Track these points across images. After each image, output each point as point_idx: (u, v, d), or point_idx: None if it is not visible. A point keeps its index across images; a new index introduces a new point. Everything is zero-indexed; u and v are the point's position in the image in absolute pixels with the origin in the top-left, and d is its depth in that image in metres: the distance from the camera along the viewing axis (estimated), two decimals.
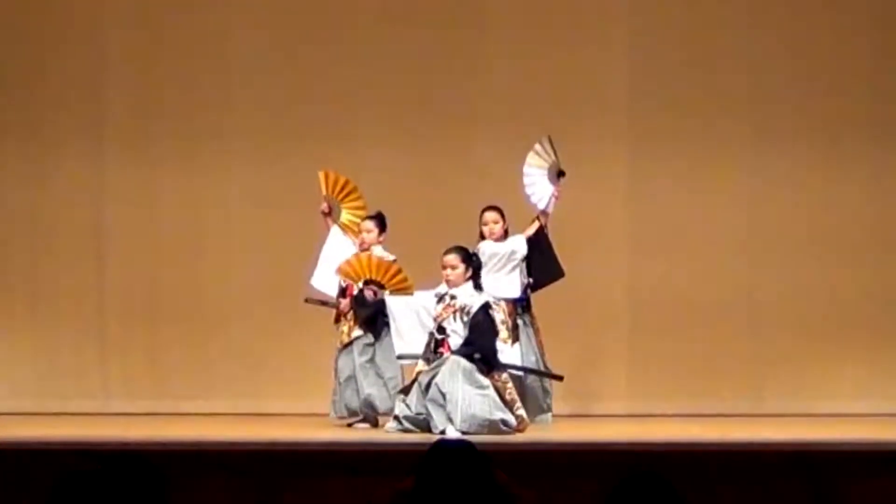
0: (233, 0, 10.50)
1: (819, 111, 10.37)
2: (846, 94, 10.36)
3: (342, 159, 9.84)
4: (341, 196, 9.21)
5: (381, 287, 8.70)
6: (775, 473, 6.83)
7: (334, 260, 8.95)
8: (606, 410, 9.94)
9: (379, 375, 8.79)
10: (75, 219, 10.44)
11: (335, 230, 9.15)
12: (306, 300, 9.14)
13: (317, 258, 9.12)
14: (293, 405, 9.69)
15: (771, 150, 10.37)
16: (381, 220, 8.97)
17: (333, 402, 8.90)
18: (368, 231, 8.93)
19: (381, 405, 8.72)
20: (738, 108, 10.39)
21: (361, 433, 8.55)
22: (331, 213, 9.19)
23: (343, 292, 8.93)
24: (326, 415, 8.96)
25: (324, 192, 9.19)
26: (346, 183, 9.21)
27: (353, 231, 9.09)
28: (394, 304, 8.60)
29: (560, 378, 8.86)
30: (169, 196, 10.43)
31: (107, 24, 10.52)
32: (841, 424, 8.98)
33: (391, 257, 8.86)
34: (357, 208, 9.19)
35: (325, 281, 9.03)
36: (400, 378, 8.73)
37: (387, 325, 8.72)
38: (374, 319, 8.78)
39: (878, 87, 10.37)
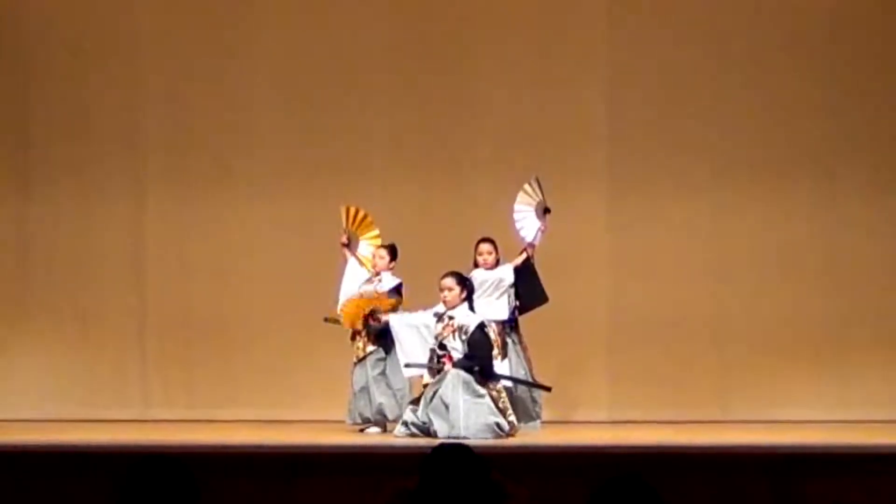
0: (258, 50, 10.45)
1: (772, 154, 10.32)
2: (796, 137, 10.30)
3: (353, 192, 9.87)
4: (360, 228, 9.16)
5: (378, 312, 8.72)
6: (740, 473, 6.80)
7: (351, 289, 8.96)
8: (589, 417, 9.88)
9: (389, 386, 8.76)
10: (118, 248, 10.43)
11: (352, 262, 9.11)
12: (325, 319, 9.08)
13: (333, 282, 9.07)
14: (311, 413, 9.63)
15: (730, 186, 10.31)
16: (392, 250, 8.99)
17: (350, 410, 8.85)
18: (381, 258, 8.95)
19: (391, 413, 8.70)
20: (701, 149, 10.33)
21: (371, 438, 8.51)
22: (349, 245, 9.14)
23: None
24: (341, 421, 8.92)
25: (344, 226, 9.16)
26: (365, 216, 9.18)
27: (366, 264, 9.05)
28: (396, 323, 8.57)
29: (548, 389, 8.80)
30: (201, 228, 10.38)
31: (145, 74, 10.49)
32: (798, 429, 8.92)
33: (396, 281, 8.86)
34: (374, 237, 9.15)
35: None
36: (407, 389, 8.70)
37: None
38: (385, 336, 8.75)
39: (824, 131, 10.30)
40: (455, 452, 4.40)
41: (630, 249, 10.16)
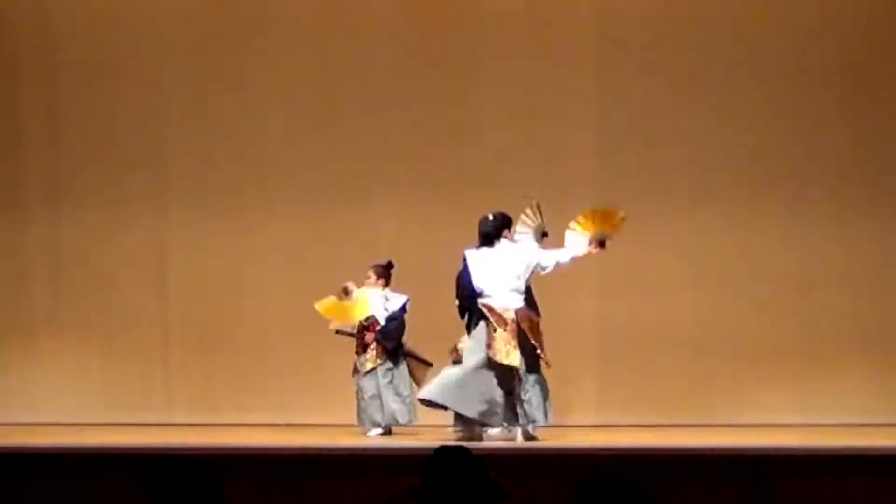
0: (272, 83, 10.43)
1: (746, 178, 10.29)
2: (768, 162, 10.28)
3: (359, 212, 9.93)
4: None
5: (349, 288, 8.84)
6: (718, 472, 6.77)
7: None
8: (579, 422, 9.83)
9: (398, 394, 8.77)
10: (143, 264, 10.41)
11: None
12: (337, 332, 9.06)
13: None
14: (322, 417, 9.60)
15: (709, 208, 10.29)
16: (377, 269, 8.93)
17: (361, 417, 8.82)
18: (367, 278, 8.93)
19: (402, 418, 8.73)
20: (681, 173, 10.33)
21: (376, 440, 8.48)
22: (348, 294, 9.04)
23: (366, 328, 8.88)
24: (350, 425, 8.89)
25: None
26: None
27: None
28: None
29: (430, 364, 8.76)
30: (219, 245, 10.36)
31: (168, 103, 10.48)
32: (772, 432, 8.89)
33: (402, 300, 8.84)
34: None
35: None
36: (413, 395, 8.68)
37: (403, 354, 8.78)
38: (395, 350, 8.80)
39: (794, 157, 10.29)
40: (455, 454, 4.40)
41: (616, 266, 10.10)
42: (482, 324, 7.96)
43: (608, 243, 8.17)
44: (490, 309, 7.94)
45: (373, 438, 8.56)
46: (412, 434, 8.69)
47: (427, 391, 8.08)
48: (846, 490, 6.58)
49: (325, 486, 6.68)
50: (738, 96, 10.37)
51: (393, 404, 8.74)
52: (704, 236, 10.31)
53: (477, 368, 7.91)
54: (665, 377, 10.16)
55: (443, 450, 4.44)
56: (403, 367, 8.82)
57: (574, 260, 8.20)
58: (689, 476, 6.70)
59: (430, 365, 8.85)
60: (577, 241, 8.17)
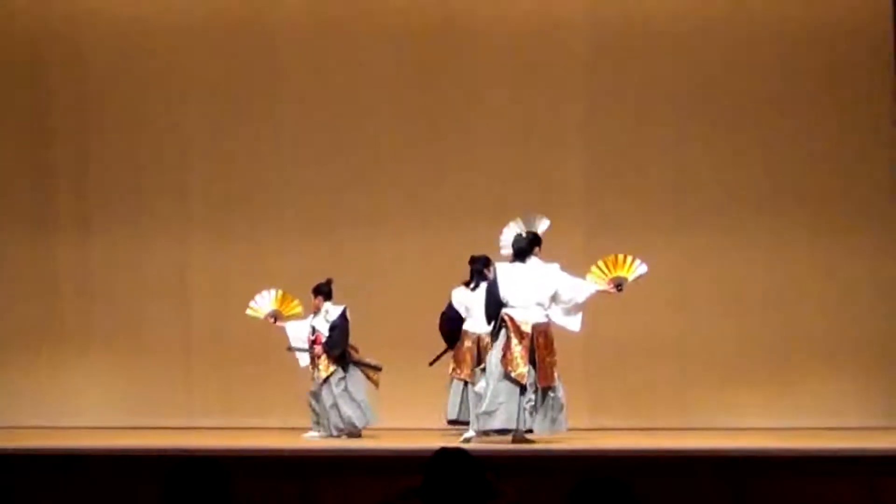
0: (286, 117, 10.50)
1: (726, 203, 10.34)
2: (746, 190, 10.33)
3: (366, 236, 9.96)
4: (282, 306, 9.11)
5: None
6: (700, 473, 6.73)
7: (296, 330, 9.02)
8: (571, 425, 9.75)
9: (353, 399, 8.75)
10: (166, 282, 10.43)
11: (290, 324, 9.09)
12: (288, 349, 9.06)
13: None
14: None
15: (691, 230, 10.32)
16: (316, 289, 8.94)
17: (322, 424, 8.79)
18: (314, 300, 8.95)
19: (359, 422, 8.73)
20: (666, 198, 10.36)
21: (379, 443, 8.44)
22: (276, 321, 9.10)
23: (314, 342, 8.89)
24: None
25: (271, 309, 9.10)
26: (284, 294, 9.12)
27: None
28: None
29: (379, 368, 8.80)
30: (236, 265, 10.37)
31: (190, 134, 10.57)
32: (749, 435, 8.84)
33: (339, 309, 8.85)
34: (295, 310, 9.12)
35: (297, 341, 9.02)
36: (367, 399, 8.74)
37: (352, 361, 8.77)
38: (343, 357, 8.78)
39: (770, 185, 10.33)
40: (454, 455, 4.38)
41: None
42: (502, 332, 7.93)
43: (624, 287, 8.16)
44: (511, 319, 7.90)
45: (375, 441, 8.52)
46: (371, 437, 8.69)
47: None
48: (817, 489, 6.55)
49: (332, 486, 6.65)
50: (720, 129, 10.41)
51: (349, 410, 8.71)
52: (686, 254, 10.32)
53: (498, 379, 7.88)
54: (650, 385, 10.16)
55: (443, 452, 4.43)
56: (356, 373, 8.79)
57: (590, 297, 8.12)
58: (673, 475, 6.67)
59: (380, 369, 8.85)
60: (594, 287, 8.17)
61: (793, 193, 10.36)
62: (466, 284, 8.93)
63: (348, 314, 8.85)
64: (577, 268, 9.77)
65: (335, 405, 8.72)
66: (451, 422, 8.86)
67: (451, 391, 8.87)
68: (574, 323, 8.07)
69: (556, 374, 7.94)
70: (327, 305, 8.90)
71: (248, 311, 9.10)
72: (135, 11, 10.54)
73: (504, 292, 7.91)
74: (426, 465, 4.31)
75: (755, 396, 10.14)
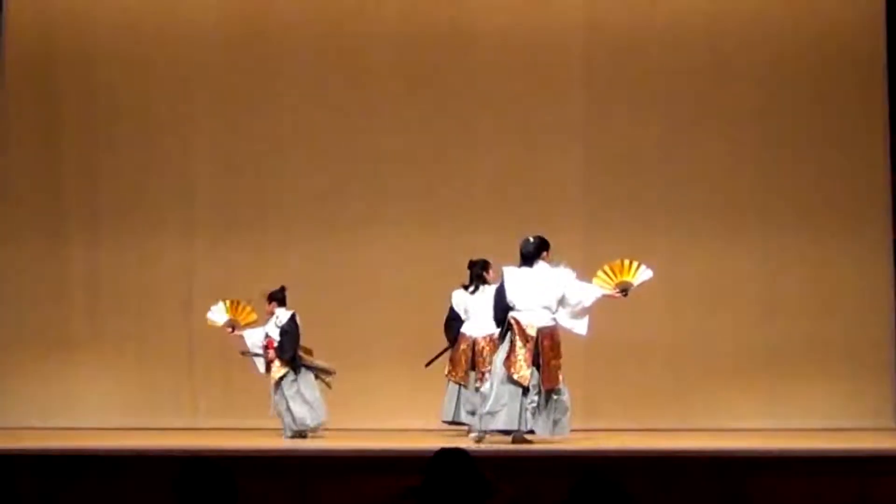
0: (289, 123, 10.49)
1: (718, 207, 10.35)
2: (737, 194, 10.35)
3: (368, 238, 9.96)
4: (240, 316, 9.11)
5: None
6: (694, 472, 6.73)
7: (252, 337, 9.04)
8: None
9: (304, 401, 8.79)
10: (172, 285, 10.42)
11: (247, 332, 9.10)
12: (242, 353, 9.09)
13: (346, 312, 9.38)
14: (331, 422, 9.59)
15: (684, 234, 10.32)
16: (271, 294, 8.97)
17: (287, 424, 8.83)
18: (268, 306, 8.97)
19: (312, 422, 8.75)
20: (660, 201, 10.36)
21: (380, 443, 8.45)
22: (234, 330, 9.12)
23: (267, 347, 8.93)
24: (357, 429, 8.88)
25: (227, 318, 9.10)
26: (243, 305, 9.11)
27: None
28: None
29: (333, 372, 8.84)
30: (240, 269, 10.34)
31: (195, 140, 10.56)
32: (742, 436, 8.85)
33: (289, 314, 8.89)
34: (252, 319, 9.11)
35: (255, 347, 9.04)
36: (321, 398, 8.77)
37: (303, 365, 8.81)
38: (294, 359, 8.81)
39: (761, 189, 10.35)
40: (454, 455, 4.39)
41: None
42: (508, 335, 7.92)
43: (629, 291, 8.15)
44: (517, 322, 7.89)
45: (376, 442, 8.52)
46: (319, 437, 8.71)
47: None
48: (809, 488, 6.56)
49: (332, 486, 6.65)
50: (710, 133, 10.41)
51: (300, 411, 8.75)
52: (681, 258, 10.30)
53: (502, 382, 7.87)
54: (646, 387, 10.14)
55: (443, 452, 4.43)
56: (307, 374, 8.83)
57: (597, 301, 8.11)
58: (669, 475, 6.68)
59: (333, 372, 8.90)
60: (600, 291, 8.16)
61: (786, 197, 10.35)
62: (466, 287, 8.93)
63: (298, 319, 8.91)
64: (575, 267, 9.81)
65: (288, 408, 8.78)
66: (446, 422, 8.88)
67: (447, 392, 8.87)
68: (581, 326, 8.05)
69: (560, 377, 7.93)
70: (279, 311, 8.96)
71: (208, 321, 9.09)
72: (143, 19, 10.53)
73: (511, 296, 7.92)
74: (426, 465, 4.32)
75: (748, 398, 10.13)
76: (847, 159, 10.37)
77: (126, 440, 8.29)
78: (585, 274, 8.76)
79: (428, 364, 8.94)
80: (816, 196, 10.34)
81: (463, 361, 8.80)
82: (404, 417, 9.65)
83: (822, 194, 10.36)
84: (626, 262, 8.09)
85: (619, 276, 8.07)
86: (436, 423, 9.03)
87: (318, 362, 8.91)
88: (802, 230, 10.33)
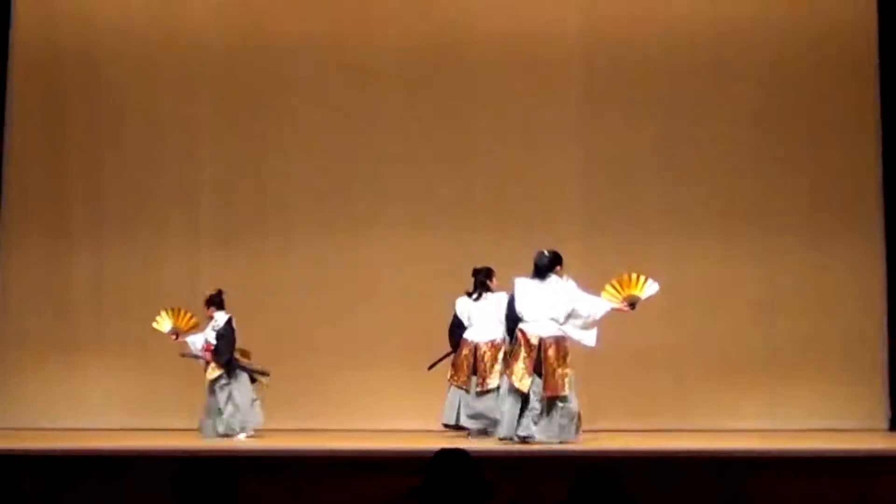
0: (292, 128, 10.49)
1: (716, 211, 10.36)
2: (735, 199, 10.36)
3: (370, 241, 9.94)
4: (183, 323, 9.16)
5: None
6: (694, 472, 6.73)
7: (194, 341, 9.10)
8: None
9: (235, 406, 8.85)
10: (175, 288, 10.34)
11: (191, 338, 9.15)
12: (182, 355, 9.14)
13: (346, 315, 9.36)
14: (332, 423, 9.59)
15: (684, 238, 10.32)
16: (209, 298, 9.09)
17: (207, 424, 8.89)
18: (206, 311, 9.07)
19: (237, 425, 8.81)
20: (659, 206, 10.36)
21: (381, 444, 8.44)
22: (178, 337, 9.16)
23: (205, 350, 9.02)
24: (358, 430, 8.88)
25: (169, 326, 9.14)
26: (188, 314, 9.17)
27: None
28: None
29: (266, 374, 8.92)
30: (243, 273, 10.34)
31: (199, 146, 10.57)
32: (742, 437, 8.85)
33: (226, 317, 9.01)
34: (194, 325, 9.17)
35: (198, 352, 9.09)
36: (251, 401, 8.82)
37: (239, 367, 8.88)
38: (229, 363, 8.89)
39: (760, 193, 10.36)
40: (454, 456, 4.38)
41: (600, 287, 10.14)
42: (515, 345, 7.99)
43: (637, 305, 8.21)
44: (523, 333, 7.95)
45: (377, 443, 8.51)
46: (253, 439, 8.71)
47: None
48: (809, 488, 6.56)
49: (332, 486, 6.64)
50: (709, 140, 10.42)
51: (229, 415, 8.80)
52: (680, 262, 10.29)
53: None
54: (647, 389, 10.14)
55: (444, 452, 4.43)
56: (242, 377, 8.91)
57: (606, 314, 8.14)
58: (669, 475, 6.67)
59: (267, 374, 8.96)
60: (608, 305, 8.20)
61: (783, 200, 10.36)
62: (469, 294, 8.96)
63: (234, 323, 8.99)
64: (574, 271, 9.81)
65: (219, 409, 8.84)
66: (446, 426, 8.88)
67: (448, 397, 8.89)
68: (590, 338, 8.12)
69: (566, 385, 7.96)
70: (217, 315, 9.04)
71: (153, 329, 9.16)
72: (147, 22, 10.55)
73: (520, 307, 8.00)
74: (427, 465, 4.31)
75: (748, 399, 10.13)
76: (845, 161, 10.36)
77: (128, 441, 8.29)
78: (586, 274, 8.78)
79: (431, 367, 8.95)
80: (814, 198, 10.34)
81: (465, 366, 8.83)
82: (405, 418, 9.63)
83: (820, 196, 10.36)
84: (634, 275, 8.15)
85: (626, 289, 8.14)
86: (436, 424, 9.03)
87: (254, 365, 8.99)
88: (800, 232, 10.32)
